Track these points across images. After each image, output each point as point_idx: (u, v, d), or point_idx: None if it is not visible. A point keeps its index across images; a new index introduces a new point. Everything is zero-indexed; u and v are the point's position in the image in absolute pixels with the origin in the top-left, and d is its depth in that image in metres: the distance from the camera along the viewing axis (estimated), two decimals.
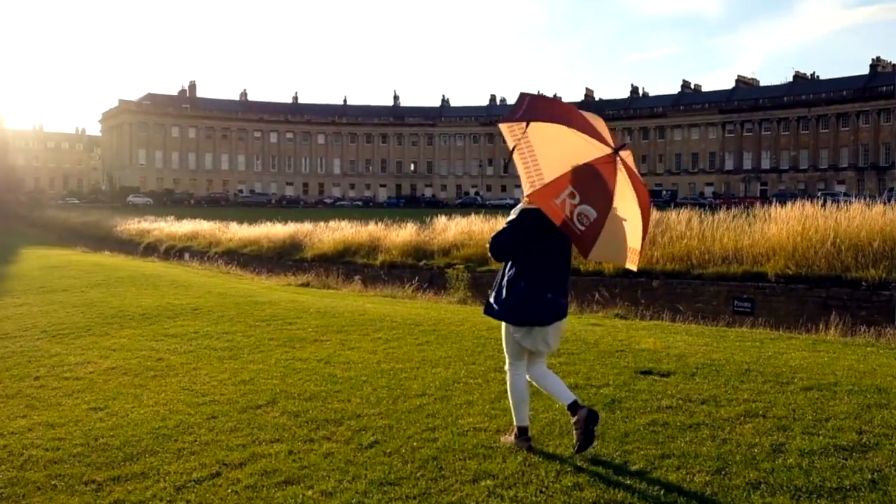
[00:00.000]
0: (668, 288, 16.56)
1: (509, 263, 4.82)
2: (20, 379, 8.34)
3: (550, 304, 4.73)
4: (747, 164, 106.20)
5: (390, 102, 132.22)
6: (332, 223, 32.85)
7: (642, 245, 4.61)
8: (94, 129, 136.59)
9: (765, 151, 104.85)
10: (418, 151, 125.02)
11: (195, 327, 11.35)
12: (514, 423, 5.03)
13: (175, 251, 39.62)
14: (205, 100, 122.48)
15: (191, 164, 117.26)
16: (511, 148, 4.62)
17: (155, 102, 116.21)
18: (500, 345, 5.18)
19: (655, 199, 76.21)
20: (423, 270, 23.23)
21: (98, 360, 9.19)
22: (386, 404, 6.29)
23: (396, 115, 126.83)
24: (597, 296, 16.56)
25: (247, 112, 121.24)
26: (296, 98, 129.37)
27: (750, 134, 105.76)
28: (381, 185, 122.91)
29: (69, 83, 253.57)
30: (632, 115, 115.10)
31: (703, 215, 20.28)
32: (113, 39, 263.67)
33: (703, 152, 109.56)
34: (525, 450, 4.88)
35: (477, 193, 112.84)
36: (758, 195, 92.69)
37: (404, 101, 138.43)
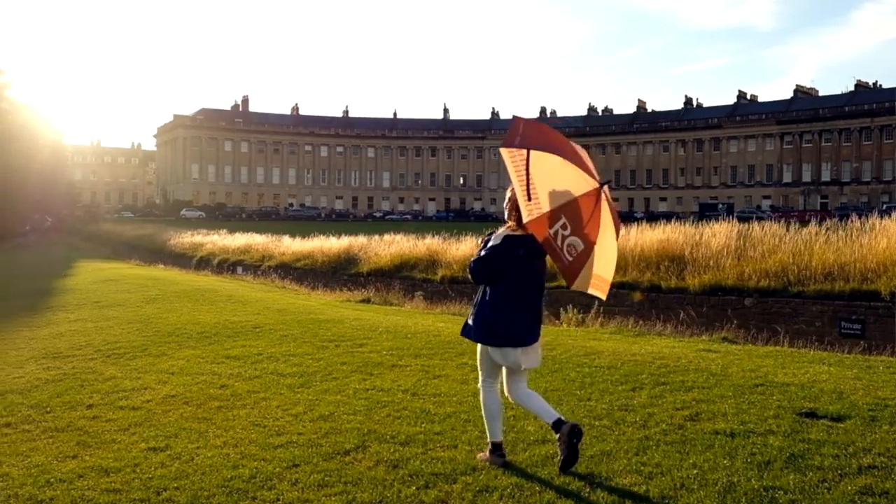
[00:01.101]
0: (762, 307, 15.16)
1: (488, 287, 4.97)
2: (72, 407, 7.45)
3: (527, 326, 4.90)
4: (806, 177, 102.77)
5: (440, 115, 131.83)
6: (386, 237, 31.98)
7: (611, 277, 4.88)
8: (150, 144, 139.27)
9: (825, 163, 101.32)
10: (468, 164, 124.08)
11: (258, 348, 10.42)
12: (489, 439, 5.12)
13: (228, 265, 39.26)
14: (257, 114, 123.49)
15: (242, 178, 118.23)
16: (512, 172, 4.68)
17: (208, 117, 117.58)
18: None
19: (711, 213, 73.83)
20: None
21: (156, 386, 8.28)
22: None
23: (446, 129, 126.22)
24: (682, 315, 15.26)
25: (298, 126, 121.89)
26: (346, 112, 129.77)
27: (809, 145, 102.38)
28: (430, 199, 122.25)
29: (126, 99, 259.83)
30: (685, 126, 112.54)
31: (789, 228, 18.81)
32: (169, 56, 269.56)
33: (760, 164, 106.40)
34: (499, 465, 4.96)
35: None
36: (818, 208, 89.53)
37: (454, 115, 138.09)
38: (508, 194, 4.94)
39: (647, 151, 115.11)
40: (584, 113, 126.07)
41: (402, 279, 25.18)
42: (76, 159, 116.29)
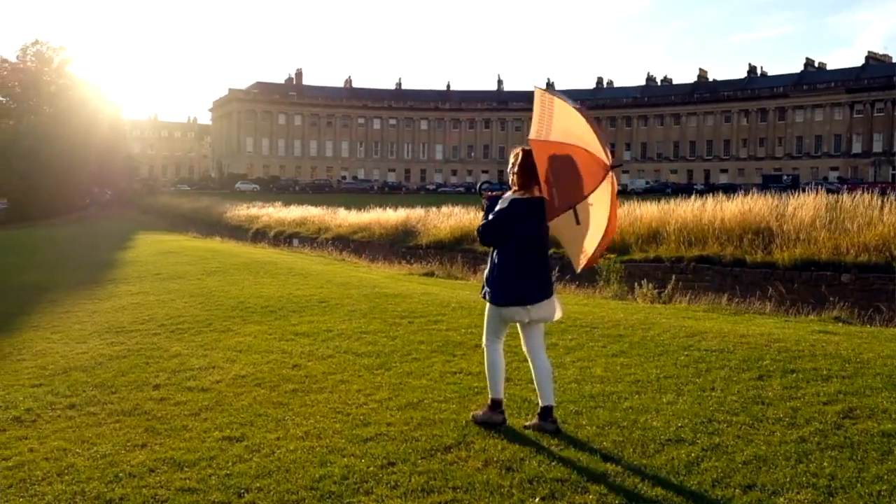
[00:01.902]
0: (862, 283, 14.01)
1: (496, 250, 5.20)
2: (138, 387, 6.94)
3: (535, 285, 5.07)
4: (877, 147, 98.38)
5: (494, 87, 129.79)
6: (444, 209, 31.29)
7: (594, 254, 5.01)
8: (205, 118, 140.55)
9: None
10: (522, 136, 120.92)
11: (326, 324, 9.84)
12: (490, 396, 5.25)
13: (284, 237, 39.09)
14: (311, 87, 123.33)
15: (296, 151, 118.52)
16: (536, 107, 4.93)
17: (263, 90, 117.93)
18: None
19: (775, 184, 71.23)
20: (555, 260, 21.19)
21: (224, 365, 7.74)
22: (635, 456, 4.42)
23: (500, 100, 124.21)
24: (770, 291, 14.24)
25: (351, 99, 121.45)
26: (399, 84, 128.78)
27: (881, 114, 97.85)
28: (483, 171, 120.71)
29: (183, 74, 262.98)
30: (749, 95, 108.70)
31: (877, 200, 17.48)
32: (225, 30, 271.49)
33: (828, 134, 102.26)
34: (499, 423, 5.09)
35: None
36: (889, 180, 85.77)
37: (508, 86, 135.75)
38: (511, 159, 5.22)
39: (708, 122, 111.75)
40: (643, 83, 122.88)
41: (464, 252, 24.46)
42: (134, 134, 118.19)
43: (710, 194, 22.80)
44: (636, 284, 14.46)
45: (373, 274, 18.24)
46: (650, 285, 14.11)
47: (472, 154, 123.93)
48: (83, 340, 9.67)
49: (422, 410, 5.67)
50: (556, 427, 4.95)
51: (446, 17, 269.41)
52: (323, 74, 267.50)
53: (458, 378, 6.67)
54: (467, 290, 13.80)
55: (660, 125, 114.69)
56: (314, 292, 12.96)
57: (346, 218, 37.44)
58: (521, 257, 5.06)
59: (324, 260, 22.99)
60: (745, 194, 20.86)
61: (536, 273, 5.11)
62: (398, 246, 28.64)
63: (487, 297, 5.26)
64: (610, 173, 4.75)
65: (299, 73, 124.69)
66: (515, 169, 5.15)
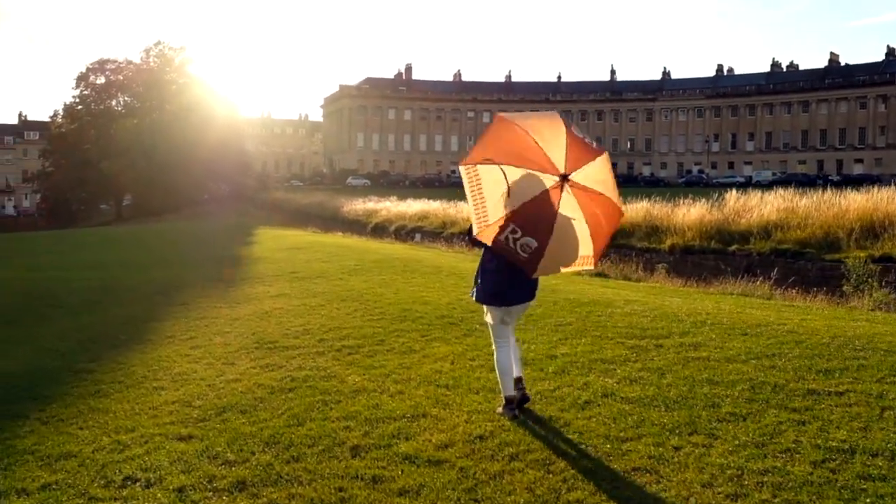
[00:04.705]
0: None
1: (483, 255, 5.52)
2: (328, 451, 4.75)
3: (508, 288, 5.32)
4: None
5: (607, 77, 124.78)
6: None
7: (598, 250, 5.03)
8: (316, 115, 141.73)
9: None
10: (636, 128, 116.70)
11: (542, 344, 7.50)
12: (503, 394, 5.44)
13: (405, 231, 37.44)
14: (420, 81, 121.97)
15: (405, 146, 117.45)
16: (466, 188, 5.08)
17: (373, 86, 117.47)
18: None
19: None
20: (734, 257, 18.27)
21: (435, 411, 5.47)
22: None
23: (613, 91, 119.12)
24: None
25: (460, 92, 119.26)
26: (509, 77, 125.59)
27: None
28: None
29: (295, 73, 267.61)
30: (888, 80, 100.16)
31: None
32: (335, 27, 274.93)
33: None
34: (510, 418, 5.21)
35: (701, 171, 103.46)
36: None
37: (621, 76, 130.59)
38: None
39: (841, 109, 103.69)
40: (766, 69, 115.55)
41: (618, 248, 21.71)
42: (248, 131, 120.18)
43: (846, 187, 20.95)
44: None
45: None
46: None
47: None
48: (230, 361, 7.66)
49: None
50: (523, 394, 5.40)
51: (557, 7, 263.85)
52: (432, 68, 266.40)
53: (823, 455, 4.11)
54: (677, 297, 11.15)
55: (786, 113, 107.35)
56: None
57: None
58: (494, 262, 5.32)
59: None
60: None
61: (509, 277, 5.25)
62: None
63: (480, 299, 5.54)
64: (565, 183, 4.79)
65: (409, 68, 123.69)
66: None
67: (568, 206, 4.83)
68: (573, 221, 4.87)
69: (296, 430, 5.22)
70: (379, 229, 40.17)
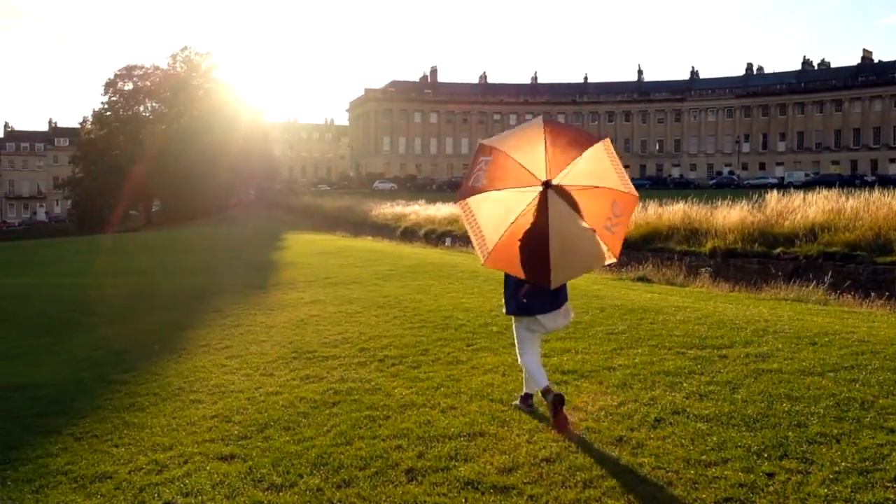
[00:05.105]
0: None
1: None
2: (381, 475, 4.41)
3: (548, 296, 5.25)
4: None
5: (634, 78, 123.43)
6: None
7: (615, 241, 4.98)
8: (341, 119, 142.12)
9: None
10: (665, 129, 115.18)
11: (595, 357, 7.07)
12: (524, 389, 5.73)
13: (436, 236, 37.02)
14: (445, 84, 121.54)
15: (432, 150, 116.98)
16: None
17: (398, 89, 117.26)
18: None
19: None
20: (780, 261, 17.63)
21: (492, 428, 5.08)
22: None
23: (641, 91, 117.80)
24: None
25: (486, 95, 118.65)
26: (535, 78, 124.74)
27: None
28: (625, 166, 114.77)
29: (320, 77, 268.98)
30: None
31: None
32: (359, 31, 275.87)
33: None
34: (526, 412, 5.45)
35: (731, 173, 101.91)
36: None
37: (649, 76, 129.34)
38: None
39: (875, 107, 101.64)
40: (798, 68, 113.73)
41: (655, 251, 21.14)
42: (275, 135, 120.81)
43: (883, 187, 19.93)
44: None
45: (575, 280, 15.32)
46: None
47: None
48: (268, 371, 7.33)
49: None
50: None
51: (583, 8, 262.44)
52: (458, 71, 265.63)
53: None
54: (731, 303, 10.64)
55: (818, 112, 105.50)
56: None
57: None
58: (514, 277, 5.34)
59: None
60: None
61: (530, 289, 5.28)
62: None
63: (508, 310, 5.61)
64: (548, 191, 4.74)
65: (434, 71, 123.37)
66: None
67: (559, 210, 4.76)
68: (571, 223, 4.81)
69: (344, 449, 4.86)
70: (408, 233, 39.82)
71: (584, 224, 4.80)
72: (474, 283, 13.29)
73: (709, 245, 19.93)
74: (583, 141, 4.83)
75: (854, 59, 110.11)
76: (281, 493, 4.18)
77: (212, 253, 25.67)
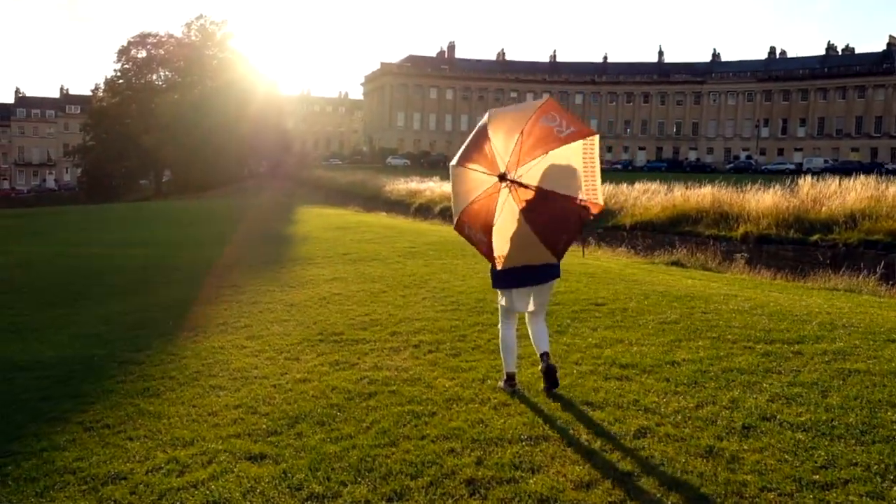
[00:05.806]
0: None
1: None
2: (436, 485, 3.81)
3: (535, 270, 5.26)
4: None
5: (654, 59, 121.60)
6: (637, 185, 27.34)
7: (553, 244, 4.99)
8: (355, 94, 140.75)
9: None
10: (683, 111, 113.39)
11: (653, 349, 6.45)
12: (504, 369, 5.54)
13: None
14: (462, 60, 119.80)
15: (447, 126, 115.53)
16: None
17: (415, 64, 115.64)
18: None
19: None
20: (818, 248, 16.94)
21: (555, 432, 4.44)
22: None
23: (661, 72, 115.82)
24: None
25: (504, 72, 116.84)
26: (553, 56, 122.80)
27: None
28: (640, 148, 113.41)
29: (335, 50, 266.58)
30: None
31: None
32: (377, 3, 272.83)
33: None
34: (510, 394, 5.30)
35: (749, 157, 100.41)
36: None
37: (669, 57, 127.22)
38: None
39: None
40: (821, 53, 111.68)
41: (683, 235, 20.44)
42: (288, 108, 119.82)
43: None
44: None
45: (601, 261, 14.72)
46: None
47: (629, 129, 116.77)
48: (294, 355, 6.74)
49: None
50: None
51: None
52: (476, 47, 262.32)
53: None
54: (779, 292, 9.97)
55: (841, 98, 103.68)
56: (572, 287, 9.58)
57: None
58: None
59: None
60: None
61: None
62: (594, 226, 24.91)
63: (493, 283, 5.58)
64: (504, 184, 4.90)
65: (451, 47, 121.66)
66: None
67: (506, 206, 4.95)
68: (514, 220, 4.99)
69: (389, 451, 4.26)
70: (423, 210, 39.14)
71: (525, 224, 4.94)
72: None
73: (741, 230, 19.23)
74: (561, 137, 4.80)
75: (879, 46, 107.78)
76: None
77: (224, 225, 25.09)
